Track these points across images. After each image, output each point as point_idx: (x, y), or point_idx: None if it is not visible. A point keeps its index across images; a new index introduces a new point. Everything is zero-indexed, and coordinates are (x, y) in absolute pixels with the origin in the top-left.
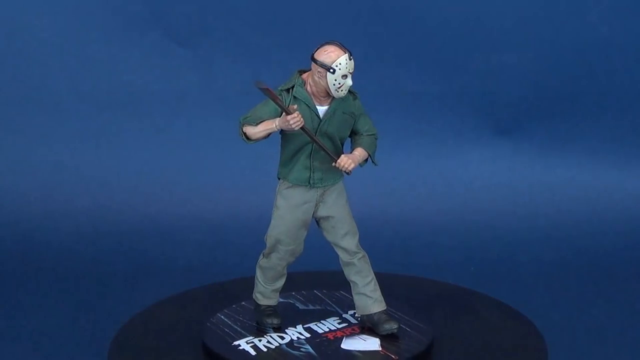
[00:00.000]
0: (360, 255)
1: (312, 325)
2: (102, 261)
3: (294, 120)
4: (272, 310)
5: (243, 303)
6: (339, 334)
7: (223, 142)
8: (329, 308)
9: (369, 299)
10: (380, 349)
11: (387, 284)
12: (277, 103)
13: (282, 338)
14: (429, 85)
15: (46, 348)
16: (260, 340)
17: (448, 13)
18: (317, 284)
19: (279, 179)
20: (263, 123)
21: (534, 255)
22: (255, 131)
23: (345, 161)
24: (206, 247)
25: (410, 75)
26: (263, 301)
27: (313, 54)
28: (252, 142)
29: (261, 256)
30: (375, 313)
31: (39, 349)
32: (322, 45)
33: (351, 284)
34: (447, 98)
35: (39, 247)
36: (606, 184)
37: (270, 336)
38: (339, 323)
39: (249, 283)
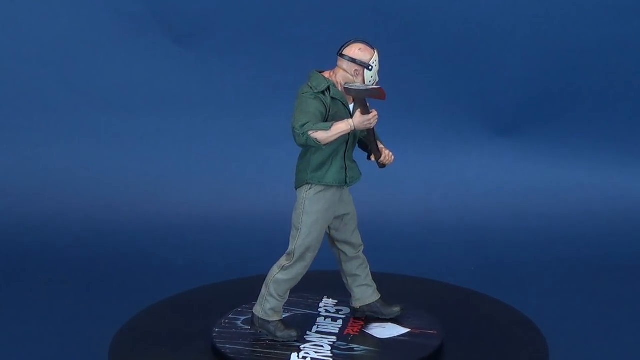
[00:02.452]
0: (362, 247)
1: (320, 329)
2: (102, 261)
3: (375, 117)
4: (284, 324)
5: (240, 308)
6: (355, 330)
7: (223, 142)
8: (298, 312)
9: (370, 287)
10: (409, 329)
11: (386, 284)
12: (363, 105)
13: (321, 346)
14: (428, 86)
15: (45, 348)
16: (307, 353)
17: (448, 13)
18: (239, 297)
19: (301, 186)
20: (335, 126)
21: (534, 255)
22: (329, 135)
23: (388, 154)
24: (206, 247)
25: (410, 76)
26: (274, 317)
27: (343, 52)
28: (325, 146)
29: (277, 270)
30: (377, 300)
31: (39, 349)
32: (350, 44)
33: (351, 279)
34: (447, 98)
35: (38, 247)
36: (606, 184)
37: (305, 347)
38: (332, 320)
39: (247, 284)
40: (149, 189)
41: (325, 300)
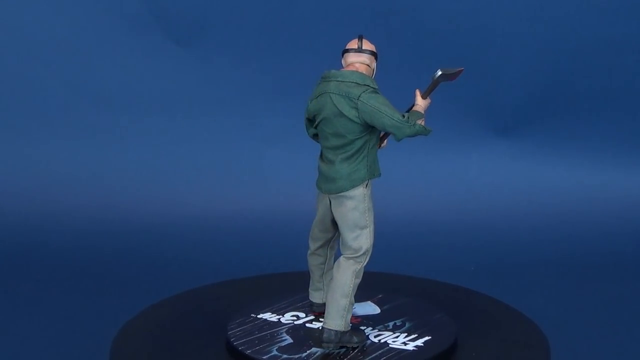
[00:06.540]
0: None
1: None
2: (102, 261)
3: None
4: (352, 329)
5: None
6: (356, 320)
7: (223, 141)
8: (280, 331)
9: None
10: (375, 300)
11: (385, 284)
12: (432, 90)
13: (381, 335)
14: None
15: (45, 348)
16: (386, 340)
17: (448, 14)
18: (239, 297)
19: (356, 185)
20: (423, 112)
21: (535, 255)
22: (424, 121)
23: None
24: (206, 247)
25: (410, 76)
26: (348, 325)
27: (364, 47)
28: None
29: (352, 276)
30: None
31: (39, 349)
32: (362, 39)
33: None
34: (447, 98)
35: (38, 247)
36: (606, 184)
37: (376, 339)
38: (316, 321)
39: (248, 284)
40: (148, 189)
41: (266, 313)
